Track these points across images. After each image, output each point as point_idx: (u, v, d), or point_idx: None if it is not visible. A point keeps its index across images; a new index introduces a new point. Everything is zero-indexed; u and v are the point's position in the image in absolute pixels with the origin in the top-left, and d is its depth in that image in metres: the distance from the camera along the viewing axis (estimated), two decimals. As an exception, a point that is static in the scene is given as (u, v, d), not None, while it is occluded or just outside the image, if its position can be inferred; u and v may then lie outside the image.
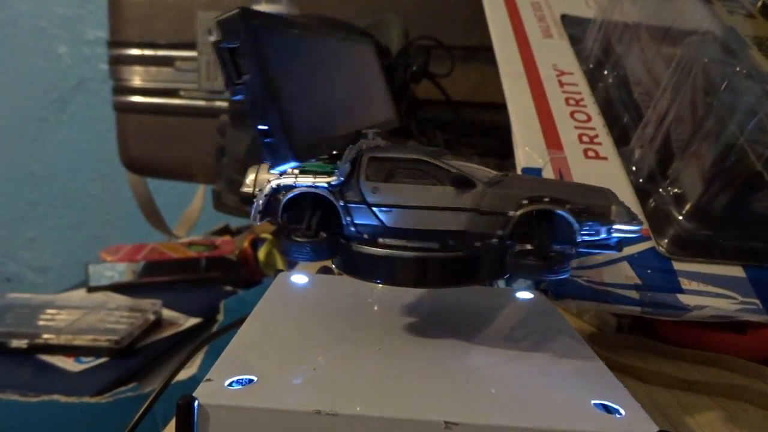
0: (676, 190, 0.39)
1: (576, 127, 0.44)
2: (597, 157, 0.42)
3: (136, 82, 0.87)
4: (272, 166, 0.24)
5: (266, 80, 0.22)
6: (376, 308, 0.29)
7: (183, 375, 0.62)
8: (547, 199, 0.25)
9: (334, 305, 0.29)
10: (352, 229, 0.26)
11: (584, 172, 0.41)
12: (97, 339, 0.61)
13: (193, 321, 0.71)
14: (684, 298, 0.34)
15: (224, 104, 0.85)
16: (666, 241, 0.37)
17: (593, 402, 0.21)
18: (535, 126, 0.44)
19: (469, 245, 0.25)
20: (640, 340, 0.35)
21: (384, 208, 0.25)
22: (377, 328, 0.27)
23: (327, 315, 0.28)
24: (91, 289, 0.79)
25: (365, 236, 0.26)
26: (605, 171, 0.42)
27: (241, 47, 0.22)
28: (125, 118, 0.89)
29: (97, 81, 1.51)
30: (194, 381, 0.58)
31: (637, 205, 0.39)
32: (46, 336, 0.61)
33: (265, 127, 0.22)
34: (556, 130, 0.44)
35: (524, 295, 0.33)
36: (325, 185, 0.25)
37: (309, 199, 0.26)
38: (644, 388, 0.31)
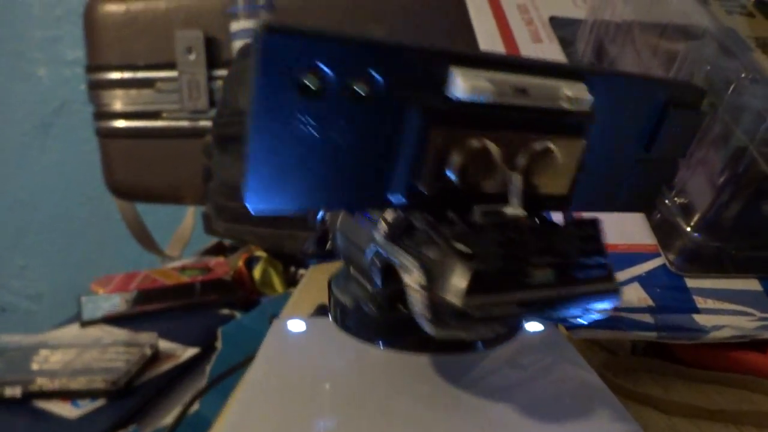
0: (682, 200, 0.37)
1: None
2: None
3: (117, 106, 0.85)
4: None
5: None
6: (374, 359, 0.28)
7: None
8: None
9: (337, 359, 0.27)
10: None
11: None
12: (93, 380, 0.59)
13: (190, 352, 0.69)
14: (700, 319, 0.32)
15: (208, 123, 0.83)
16: (675, 256, 0.36)
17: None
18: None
19: None
20: (656, 363, 0.34)
21: None
22: (380, 384, 0.25)
23: (331, 374, 0.26)
24: (85, 324, 0.77)
25: None
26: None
27: None
28: (108, 144, 0.87)
29: (79, 102, 1.48)
30: (198, 416, 0.56)
31: (642, 218, 0.38)
32: (40, 381, 0.59)
33: None
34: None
35: (533, 327, 0.31)
36: None
37: None
38: (666, 420, 0.29)
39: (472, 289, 0.17)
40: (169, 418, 0.58)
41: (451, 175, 0.19)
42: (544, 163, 0.20)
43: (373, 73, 0.17)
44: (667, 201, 0.37)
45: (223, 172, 0.63)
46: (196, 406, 0.61)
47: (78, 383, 0.59)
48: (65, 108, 1.52)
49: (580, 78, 0.20)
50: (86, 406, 0.58)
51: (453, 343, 0.23)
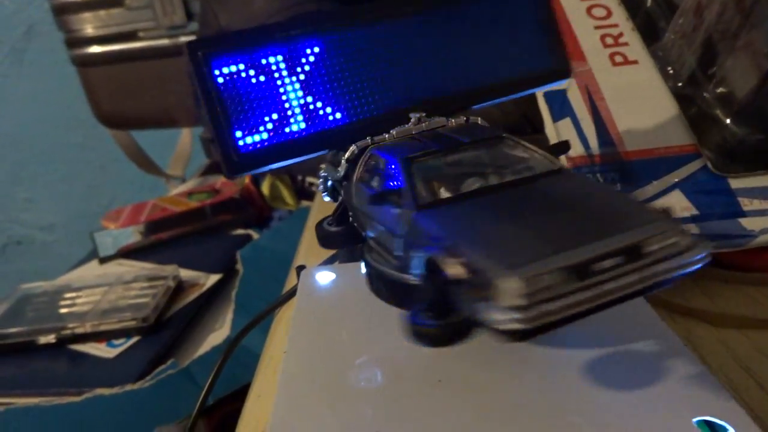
0: (722, 89, 0.34)
1: (596, 27, 0.39)
2: (626, 62, 0.37)
3: (89, 30, 0.78)
4: None
5: None
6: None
7: (217, 339, 0.62)
8: None
9: (371, 315, 0.26)
10: None
11: (614, 83, 0.36)
12: (124, 319, 0.60)
13: (213, 278, 0.70)
14: (747, 223, 0.30)
15: (190, 39, 0.77)
16: (715, 154, 0.33)
17: (695, 420, 0.18)
18: (550, 35, 0.38)
19: None
20: (701, 269, 0.32)
21: None
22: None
23: (368, 333, 0.25)
24: (103, 260, 0.77)
25: None
26: (638, 77, 0.37)
27: None
28: (88, 73, 0.82)
29: (48, 23, 1.39)
30: (229, 341, 0.57)
31: (678, 114, 0.35)
32: (71, 325, 0.60)
33: None
34: (573, 35, 0.38)
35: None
36: None
37: None
38: (716, 333, 0.28)
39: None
40: (202, 348, 0.59)
41: None
42: None
43: None
44: (705, 93, 0.34)
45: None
46: (226, 331, 0.62)
47: (109, 324, 0.60)
48: (34, 30, 1.43)
49: None
50: (122, 345, 0.59)
51: None
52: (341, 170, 0.25)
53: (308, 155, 0.26)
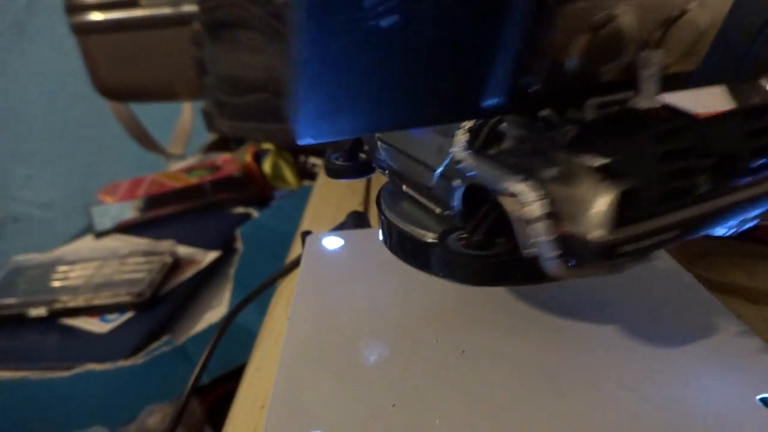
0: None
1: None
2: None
3: (89, -4, 0.76)
4: None
5: None
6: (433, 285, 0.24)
7: (214, 317, 0.59)
8: None
9: (385, 280, 0.24)
10: None
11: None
12: (118, 294, 0.58)
13: (211, 255, 0.67)
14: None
15: (193, 8, 0.74)
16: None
17: (759, 397, 0.16)
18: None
19: None
20: (736, 245, 0.30)
21: None
22: (446, 311, 0.22)
23: (381, 298, 0.23)
24: (99, 235, 0.75)
25: None
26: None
27: None
28: (87, 41, 0.79)
29: (49, -6, 1.36)
30: (232, 325, 0.55)
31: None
32: (64, 299, 0.58)
33: None
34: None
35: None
36: None
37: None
38: (756, 310, 0.26)
39: (622, 218, 0.12)
40: (198, 326, 0.57)
41: (572, 62, 0.13)
42: (676, 33, 0.15)
43: None
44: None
45: (218, 65, 0.56)
46: (223, 310, 0.60)
47: (102, 298, 0.58)
48: (35, 3, 1.40)
49: None
50: (115, 320, 0.57)
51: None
52: None
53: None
